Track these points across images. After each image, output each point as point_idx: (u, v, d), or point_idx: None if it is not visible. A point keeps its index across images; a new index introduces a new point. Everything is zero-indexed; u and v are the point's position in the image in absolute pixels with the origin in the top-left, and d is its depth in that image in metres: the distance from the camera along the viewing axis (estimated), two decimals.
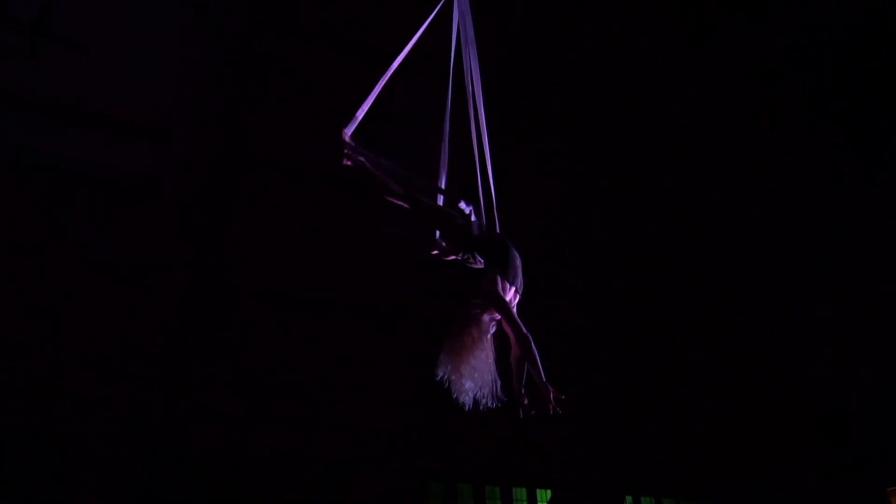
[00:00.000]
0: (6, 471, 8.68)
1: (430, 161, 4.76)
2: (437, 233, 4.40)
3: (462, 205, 4.30)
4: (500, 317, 3.99)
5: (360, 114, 4.46)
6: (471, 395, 3.85)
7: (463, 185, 4.72)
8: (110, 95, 8.67)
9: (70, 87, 8.43)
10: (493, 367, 3.92)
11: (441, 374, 3.80)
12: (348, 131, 4.37)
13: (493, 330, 3.99)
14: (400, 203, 4.30)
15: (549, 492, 12.29)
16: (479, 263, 4.25)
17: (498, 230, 4.42)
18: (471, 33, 4.57)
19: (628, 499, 12.90)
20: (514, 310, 4.06)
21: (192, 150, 8.80)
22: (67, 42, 8.22)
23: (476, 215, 4.36)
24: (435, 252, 4.35)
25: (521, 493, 12.16)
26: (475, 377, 3.84)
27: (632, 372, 13.02)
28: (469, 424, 11.03)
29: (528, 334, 3.94)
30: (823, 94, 11.32)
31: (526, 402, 4.08)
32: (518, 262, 4.21)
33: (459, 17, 4.60)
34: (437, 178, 4.51)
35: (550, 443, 12.10)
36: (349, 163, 4.32)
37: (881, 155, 11.60)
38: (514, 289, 4.12)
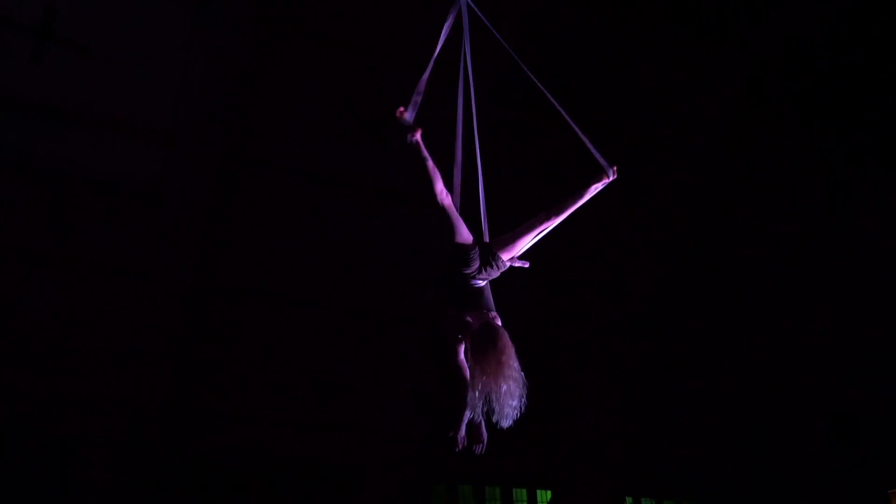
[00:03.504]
0: (13, 471, 8.74)
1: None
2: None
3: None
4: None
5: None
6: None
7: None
8: (113, 98, 8.73)
9: (73, 90, 8.50)
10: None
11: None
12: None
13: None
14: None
15: (549, 493, 12.30)
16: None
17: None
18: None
19: (629, 500, 12.87)
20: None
21: (194, 153, 8.86)
22: (71, 45, 8.29)
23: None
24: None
25: (521, 494, 12.17)
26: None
27: (634, 373, 13.00)
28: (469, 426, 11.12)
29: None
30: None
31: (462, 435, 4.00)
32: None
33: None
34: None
35: (551, 444, 12.11)
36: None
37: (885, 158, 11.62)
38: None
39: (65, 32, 8.11)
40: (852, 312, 12.35)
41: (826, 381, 12.83)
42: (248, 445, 9.93)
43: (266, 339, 9.93)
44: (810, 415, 13.04)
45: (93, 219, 8.87)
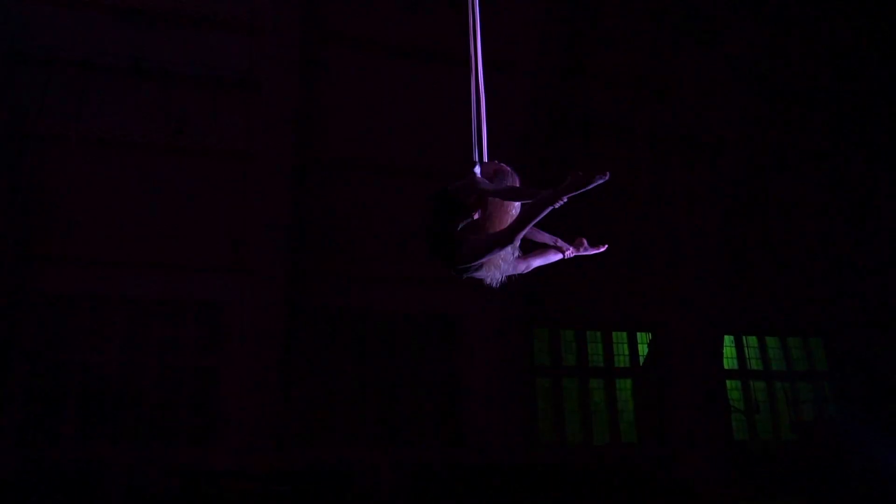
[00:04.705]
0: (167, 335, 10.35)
1: None
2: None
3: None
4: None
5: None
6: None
7: None
8: None
9: None
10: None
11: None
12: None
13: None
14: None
15: (648, 334, 12.84)
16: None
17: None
18: None
19: (728, 338, 13.17)
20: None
21: (278, 38, 9.55)
22: None
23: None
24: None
25: (621, 337, 12.77)
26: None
27: (730, 213, 12.91)
28: (570, 273, 11.72)
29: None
30: None
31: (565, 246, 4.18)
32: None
33: None
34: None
35: (649, 287, 12.52)
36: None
37: None
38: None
39: None
40: None
41: None
42: (363, 301, 11.01)
43: (367, 206, 10.82)
44: None
45: (201, 110, 9.90)
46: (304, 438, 10.26)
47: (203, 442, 9.87)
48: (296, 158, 10.27)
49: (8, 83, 9.46)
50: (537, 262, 4.17)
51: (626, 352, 12.70)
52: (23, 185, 9.69)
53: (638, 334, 12.83)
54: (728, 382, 12.88)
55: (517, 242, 3.83)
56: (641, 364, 12.64)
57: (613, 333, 12.69)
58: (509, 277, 4.10)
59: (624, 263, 12.29)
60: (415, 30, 10.19)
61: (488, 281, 3.99)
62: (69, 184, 9.84)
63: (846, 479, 11.42)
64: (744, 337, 13.34)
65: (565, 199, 3.48)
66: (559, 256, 4.21)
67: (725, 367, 12.92)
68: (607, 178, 3.35)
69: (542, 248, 4.22)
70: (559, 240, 4.20)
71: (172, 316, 10.37)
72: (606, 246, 4.21)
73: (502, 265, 3.93)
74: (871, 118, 13.13)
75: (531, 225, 3.66)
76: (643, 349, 12.76)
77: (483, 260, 3.82)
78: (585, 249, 4.20)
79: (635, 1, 11.28)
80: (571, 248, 4.19)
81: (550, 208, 3.52)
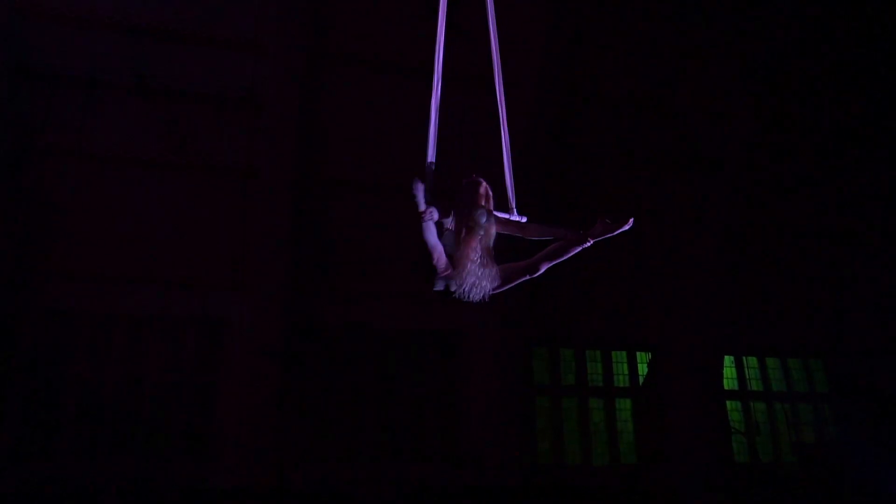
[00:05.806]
0: (166, 351, 10.32)
1: None
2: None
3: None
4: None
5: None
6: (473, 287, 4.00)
7: None
8: (207, 14, 9.61)
9: (175, 12, 9.43)
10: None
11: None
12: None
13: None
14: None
15: (648, 354, 12.79)
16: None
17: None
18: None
19: (728, 359, 13.13)
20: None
21: (281, 56, 9.65)
22: None
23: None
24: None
25: (620, 356, 12.73)
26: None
27: (731, 233, 12.95)
28: (571, 292, 11.73)
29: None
30: None
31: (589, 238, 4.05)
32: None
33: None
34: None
35: (649, 307, 12.50)
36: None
37: None
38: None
39: None
40: None
41: None
42: (365, 318, 11.00)
43: (367, 223, 10.84)
44: None
45: (203, 127, 9.97)
46: (303, 455, 10.19)
47: (201, 459, 9.81)
48: (296, 175, 10.32)
49: (12, 99, 9.54)
50: (548, 262, 4.02)
51: (626, 371, 12.63)
52: (25, 200, 9.73)
53: (638, 354, 12.79)
54: (728, 403, 12.80)
55: (473, 254, 3.96)
56: (641, 384, 12.57)
57: (613, 353, 12.65)
58: (515, 289, 4.11)
59: (623, 283, 12.30)
60: (417, 50, 10.25)
61: (465, 291, 4.00)
62: (71, 199, 9.88)
63: (847, 502, 11.33)
64: (744, 357, 13.28)
65: (423, 209, 3.76)
66: (576, 249, 4.00)
67: (725, 387, 12.86)
68: (420, 185, 3.75)
69: (553, 246, 4.06)
70: (571, 231, 4.04)
71: (172, 332, 10.35)
72: (632, 221, 3.94)
73: (468, 278, 3.93)
74: (873, 137, 13.19)
75: (430, 238, 3.89)
76: (643, 369, 12.70)
77: (440, 274, 3.95)
78: (606, 231, 3.99)
79: (636, 20, 11.38)
80: (586, 235, 4.00)
81: (423, 223, 3.82)
